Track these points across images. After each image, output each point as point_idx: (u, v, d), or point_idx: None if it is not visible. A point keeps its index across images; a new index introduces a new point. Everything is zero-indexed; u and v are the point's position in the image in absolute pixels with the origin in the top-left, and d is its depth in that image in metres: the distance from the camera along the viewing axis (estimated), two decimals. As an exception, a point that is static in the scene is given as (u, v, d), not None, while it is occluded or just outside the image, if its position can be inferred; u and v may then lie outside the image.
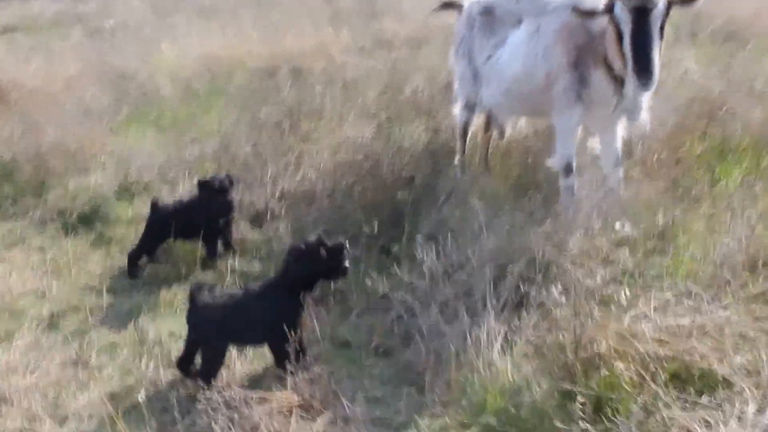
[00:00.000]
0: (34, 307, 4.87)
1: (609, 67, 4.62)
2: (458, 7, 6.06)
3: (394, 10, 12.95)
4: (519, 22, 5.28)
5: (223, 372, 3.79)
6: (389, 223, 5.02)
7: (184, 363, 3.87)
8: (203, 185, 5.36)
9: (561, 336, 3.46)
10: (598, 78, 4.71)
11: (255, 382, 3.84)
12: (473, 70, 5.69)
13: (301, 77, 8.83)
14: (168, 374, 3.93)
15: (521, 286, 3.94)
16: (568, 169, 4.92)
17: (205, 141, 7.12)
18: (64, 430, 3.62)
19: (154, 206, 5.38)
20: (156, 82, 9.36)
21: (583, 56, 4.75)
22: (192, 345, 3.85)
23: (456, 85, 6.11)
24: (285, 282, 3.84)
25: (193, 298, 3.84)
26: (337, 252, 3.83)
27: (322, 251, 3.81)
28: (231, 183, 5.40)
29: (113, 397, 3.82)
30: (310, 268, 3.81)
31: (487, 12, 5.57)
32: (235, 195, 5.51)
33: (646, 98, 4.73)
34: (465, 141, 6.04)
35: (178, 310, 4.68)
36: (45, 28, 15.04)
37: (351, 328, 4.32)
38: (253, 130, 6.94)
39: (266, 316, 3.76)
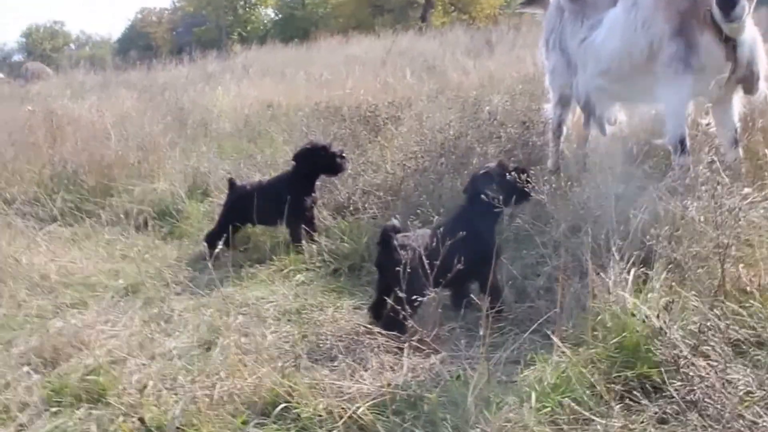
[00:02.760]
0: (108, 281, 4.84)
1: (718, 29, 4.43)
2: (542, 2, 6.09)
3: (456, 66, 13.34)
4: (613, 2, 5.21)
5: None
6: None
7: (376, 309, 3.76)
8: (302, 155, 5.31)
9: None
10: (707, 41, 4.47)
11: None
12: (567, 59, 5.62)
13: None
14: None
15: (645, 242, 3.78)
16: (682, 146, 4.62)
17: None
18: (152, 367, 3.50)
19: (232, 185, 5.38)
20: (214, 116, 9.48)
21: (687, 20, 4.53)
22: (384, 290, 3.63)
23: (547, 80, 6.04)
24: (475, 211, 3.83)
25: (386, 240, 3.63)
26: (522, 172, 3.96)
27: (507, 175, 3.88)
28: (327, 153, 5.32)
29: (202, 344, 3.73)
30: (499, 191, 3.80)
31: (578, -3, 5.49)
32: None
33: (763, 65, 4.59)
34: (559, 141, 5.92)
35: (263, 283, 4.64)
36: (92, 91, 15.40)
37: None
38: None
39: (473, 250, 3.58)
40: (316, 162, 5.25)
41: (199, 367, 3.37)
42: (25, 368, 3.55)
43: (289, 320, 4.02)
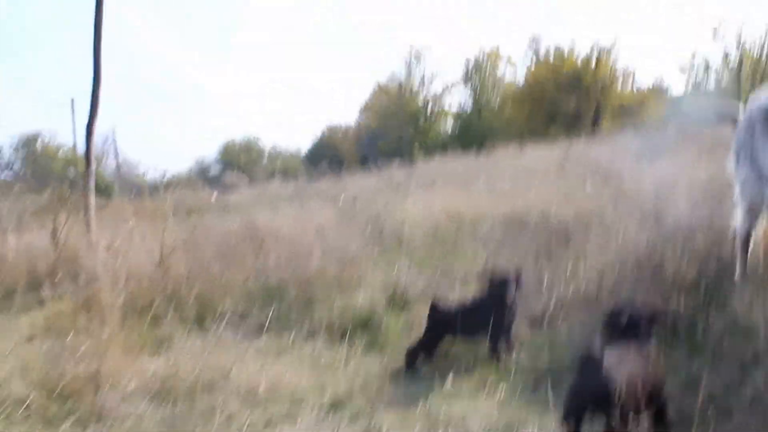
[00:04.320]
0: (313, 395, 4.84)
1: None
2: (733, 120, 5.93)
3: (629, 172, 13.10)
4: None
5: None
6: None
7: None
8: (492, 280, 5.35)
9: None
10: None
11: None
12: (758, 173, 5.44)
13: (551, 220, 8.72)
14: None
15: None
16: None
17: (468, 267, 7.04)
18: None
19: (434, 308, 5.39)
20: (405, 227, 9.55)
21: None
22: None
23: (737, 192, 5.80)
24: None
25: None
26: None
27: None
28: (518, 279, 5.36)
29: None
30: None
31: (769, 115, 5.38)
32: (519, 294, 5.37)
33: None
34: (747, 252, 5.64)
35: (465, 397, 4.51)
36: (286, 201, 16.04)
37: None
38: (515, 254, 6.79)
39: None
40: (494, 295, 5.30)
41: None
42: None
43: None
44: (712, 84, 34.07)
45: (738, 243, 5.67)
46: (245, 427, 4.36)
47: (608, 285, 5.60)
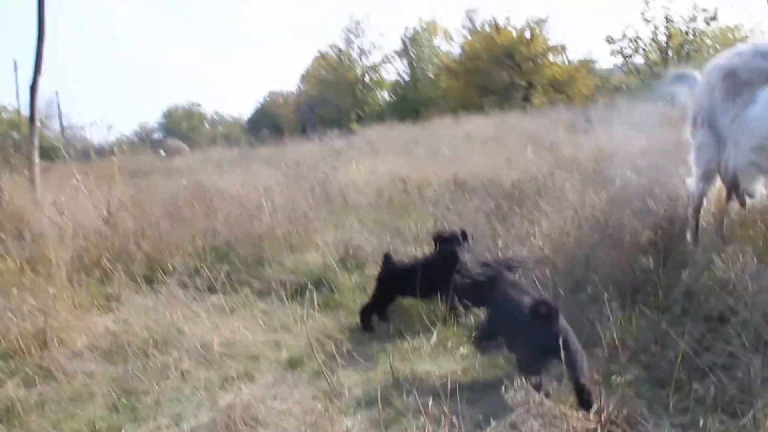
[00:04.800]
0: (270, 353, 4.60)
1: None
2: (689, 80, 5.79)
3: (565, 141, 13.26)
4: None
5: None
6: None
7: None
8: (440, 239, 5.14)
9: None
10: None
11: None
12: (715, 136, 5.33)
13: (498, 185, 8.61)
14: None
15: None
16: None
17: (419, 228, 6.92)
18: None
19: (387, 260, 5.19)
20: (351, 190, 9.50)
21: None
22: None
23: (692, 157, 5.71)
24: None
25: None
26: None
27: None
28: (465, 237, 5.16)
29: (375, 425, 3.42)
30: None
31: (729, 75, 5.25)
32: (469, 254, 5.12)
33: None
34: (698, 215, 5.60)
35: (427, 356, 4.32)
36: (231, 165, 15.65)
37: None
38: (467, 217, 6.66)
39: None
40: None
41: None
42: (202, 448, 3.26)
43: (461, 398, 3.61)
44: (641, 59, 34.50)
45: (691, 207, 5.61)
46: (201, 385, 4.07)
47: (563, 245, 5.45)
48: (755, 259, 4.36)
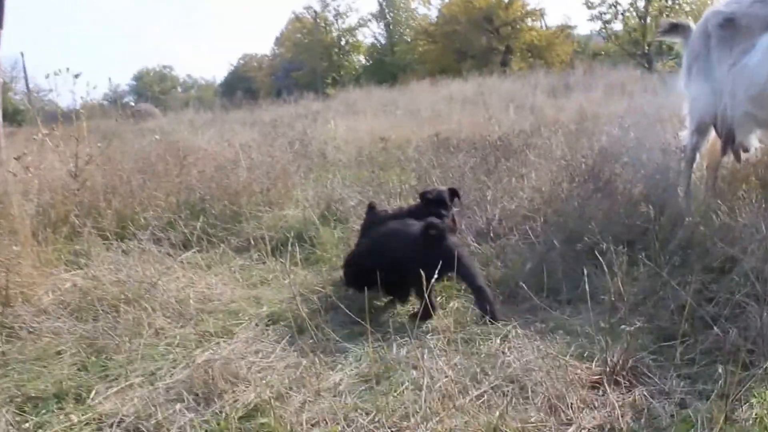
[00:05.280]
0: (251, 308, 4.35)
1: None
2: (683, 30, 5.59)
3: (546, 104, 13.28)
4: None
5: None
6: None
7: None
8: (425, 196, 4.98)
9: None
10: None
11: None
12: (711, 87, 5.14)
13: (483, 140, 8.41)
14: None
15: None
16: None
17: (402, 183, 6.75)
18: (319, 404, 3.01)
19: (371, 209, 5.07)
20: (330, 148, 9.41)
21: None
22: None
23: (686, 109, 5.56)
24: None
25: None
26: None
27: None
28: (453, 195, 5.02)
29: (367, 379, 3.24)
30: None
31: (727, 22, 5.06)
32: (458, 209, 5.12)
33: None
34: (691, 168, 5.45)
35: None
36: (205, 126, 15.33)
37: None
38: (452, 172, 6.48)
39: None
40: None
41: (376, 405, 2.87)
42: (178, 405, 3.03)
43: (455, 350, 3.48)
44: (620, 25, 34.49)
45: (684, 161, 5.44)
46: (177, 342, 3.82)
47: (555, 197, 5.35)
48: (762, 204, 4.16)
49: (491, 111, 11.46)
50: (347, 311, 3.92)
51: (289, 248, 4.74)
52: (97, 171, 6.74)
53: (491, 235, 5.15)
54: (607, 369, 3.06)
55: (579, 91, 16.65)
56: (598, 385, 2.99)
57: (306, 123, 13.03)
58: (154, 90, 52.97)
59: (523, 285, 4.09)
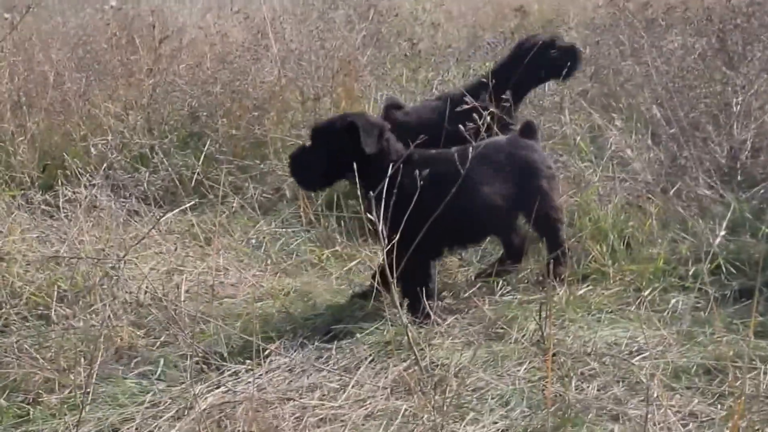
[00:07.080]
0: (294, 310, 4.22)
1: None
2: None
3: None
4: None
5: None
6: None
7: None
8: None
9: None
10: None
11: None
12: None
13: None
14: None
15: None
16: None
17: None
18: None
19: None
20: (427, 25, 9.30)
21: None
22: None
23: None
24: None
25: None
26: None
27: None
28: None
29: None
30: None
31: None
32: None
33: None
34: None
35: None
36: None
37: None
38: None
39: None
40: None
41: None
42: None
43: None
44: None
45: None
46: (156, 372, 3.60)
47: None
48: None
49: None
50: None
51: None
52: (2, 67, 6.55)
53: (739, 177, 4.76)
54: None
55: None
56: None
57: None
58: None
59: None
